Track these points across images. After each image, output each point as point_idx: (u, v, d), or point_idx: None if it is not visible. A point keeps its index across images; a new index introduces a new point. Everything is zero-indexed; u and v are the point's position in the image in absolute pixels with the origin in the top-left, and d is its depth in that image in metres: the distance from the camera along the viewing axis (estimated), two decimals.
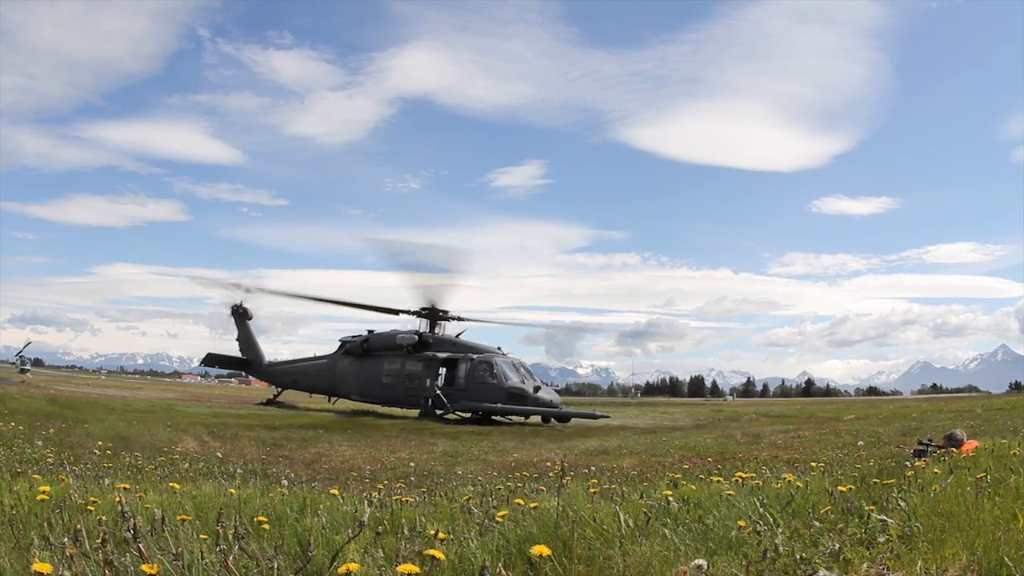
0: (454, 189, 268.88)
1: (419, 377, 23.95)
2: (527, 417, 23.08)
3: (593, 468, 11.82)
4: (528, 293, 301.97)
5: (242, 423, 22.37)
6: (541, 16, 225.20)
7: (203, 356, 32.06)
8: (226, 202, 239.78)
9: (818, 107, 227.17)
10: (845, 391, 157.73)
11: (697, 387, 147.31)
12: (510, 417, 23.55)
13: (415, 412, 24.38)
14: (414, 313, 25.43)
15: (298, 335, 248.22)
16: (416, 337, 24.21)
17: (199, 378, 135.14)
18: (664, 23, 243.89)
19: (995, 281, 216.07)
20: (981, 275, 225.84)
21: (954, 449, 9.27)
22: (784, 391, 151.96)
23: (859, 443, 15.14)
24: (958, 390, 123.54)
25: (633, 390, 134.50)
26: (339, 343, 27.20)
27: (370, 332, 26.59)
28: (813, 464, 9.83)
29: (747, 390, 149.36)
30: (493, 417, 23.77)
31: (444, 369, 23.97)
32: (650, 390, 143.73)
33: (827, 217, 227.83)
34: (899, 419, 25.12)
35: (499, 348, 24.99)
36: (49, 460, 9.52)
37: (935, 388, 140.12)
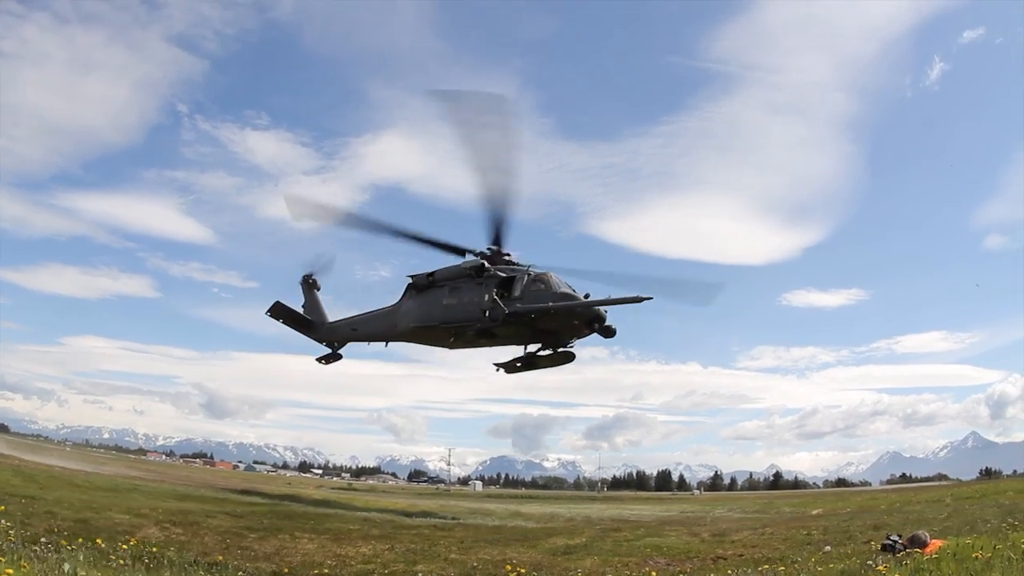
0: None
1: (478, 294, 24.22)
2: (574, 320, 23.66)
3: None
4: (496, 386, 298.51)
5: (205, 508, 21.98)
6: (515, 107, 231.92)
7: (272, 304, 30.22)
8: (197, 281, 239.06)
9: (790, 200, 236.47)
10: (813, 483, 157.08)
11: (664, 481, 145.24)
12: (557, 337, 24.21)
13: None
14: (479, 254, 25.53)
15: (264, 419, 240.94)
16: (481, 262, 24.71)
17: (164, 456, 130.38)
18: (637, 116, 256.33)
19: (965, 369, 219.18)
20: (951, 363, 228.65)
21: (918, 550, 9.80)
22: (752, 484, 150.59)
23: (826, 548, 15.29)
24: (928, 479, 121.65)
25: (599, 484, 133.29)
26: (405, 289, 27.34)
27: None
28: (782, 568, 10.18)
29: (714, 484, 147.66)
30: (537, 354, 24.78)
31: (502, 287, 24.38)
32: (617, 484, 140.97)
33: (797, 310, 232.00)
34: (867, 513, 25.17)
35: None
36: (11, 539, 9.74)
37: (904, 478, 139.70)
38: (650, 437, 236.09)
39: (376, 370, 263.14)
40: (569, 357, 25.42)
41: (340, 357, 29.69)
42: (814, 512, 28.47)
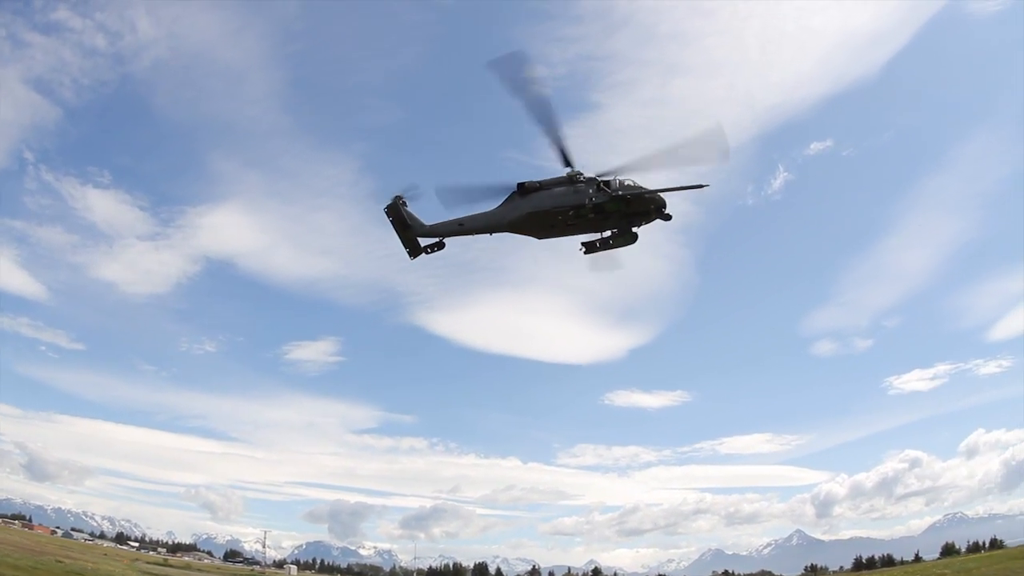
0: (248, 358, 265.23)
1: (581, 188, 29.36)
2: (651, 205, 29.20)
3: None
4: (314, 470, 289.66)
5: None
6: (353, 191, 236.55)
7: (392, 201, 32.07)
8: (25, 337, 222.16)
9: (618, 301, 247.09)
10: None
11: (481, 573, 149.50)
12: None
13: None
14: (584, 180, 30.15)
15: (84, 486, 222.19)
16: (575, 172, 29.76)
17: None
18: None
19: (790, 470, 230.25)
20: (776, 464, 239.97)
21: None
22: None
23: None
24: (751, 575, 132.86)
25: (415, 574, 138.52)
26: (509, 196, 30.90)
27: None
28: None
29: None
30: (610, 238, 29.82)
31: (596, 187, 29.60)
32: (433, 575, 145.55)
33: (620, 410, 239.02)
34: None
35: None
36: None
37: (727, 575, 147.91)
38: (468, 529, 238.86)
39: (193, 445, 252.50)
40: (635, 238, 30.01)
41: (443, 246, 31.92)
42: None
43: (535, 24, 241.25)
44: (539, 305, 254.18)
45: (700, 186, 28.75)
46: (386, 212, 32.09)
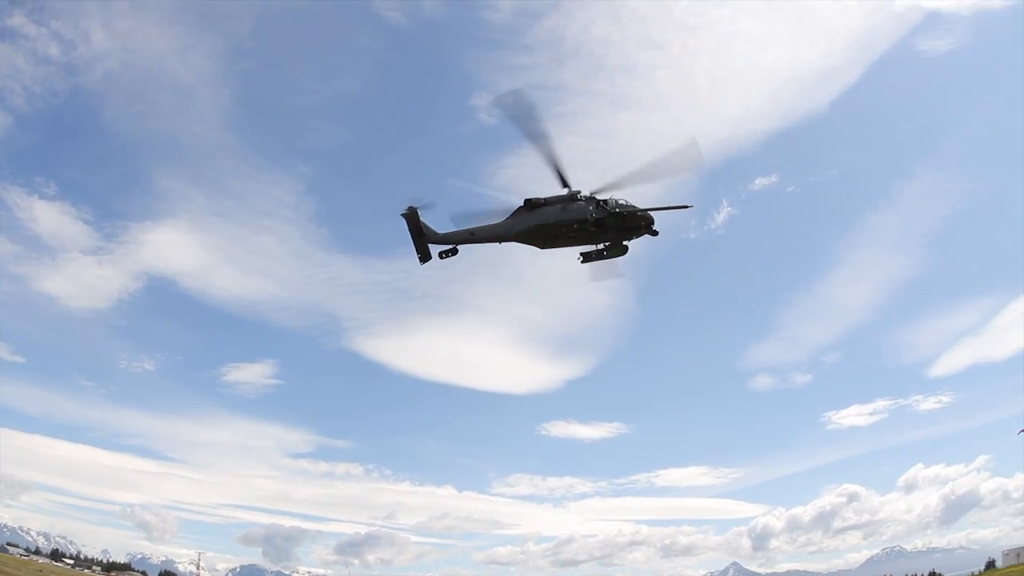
0: (186, 377, 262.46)
1: (582, 205, 32.69)
2: (641, 222, 32.64)
3: None
4: (249, 492, 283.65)
5: None
6: (295, 213, 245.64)
7: (408, 209, 33.55)
8: None
9: (557, 332, 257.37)
10: None
11: None
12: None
13: None
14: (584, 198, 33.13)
15: (20, 501, 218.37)
16: (575, 191, 32.82)
17: None
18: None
19: (726, 503, 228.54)
20: (712, 497, 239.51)
21: None
22: None
23: None
24: None
25: None
26: (519, 207, 33.54)
27: None
28: None
29: None
30: (604, 250, 33.11)
31: (598, 203, 32.91)
32: None
33: (556, 440, 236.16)
34: None
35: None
36: None
37: None
38: (402, 557, 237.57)
39: (129, 463, 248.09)
40: (626, 250, 33.23)
41: (457, 252, 33.88)
42: None
43: (485, 52, 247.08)
44: (478, 334, 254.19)
45: (685, 206, 32.79)
46: (404, 217, 33.81)
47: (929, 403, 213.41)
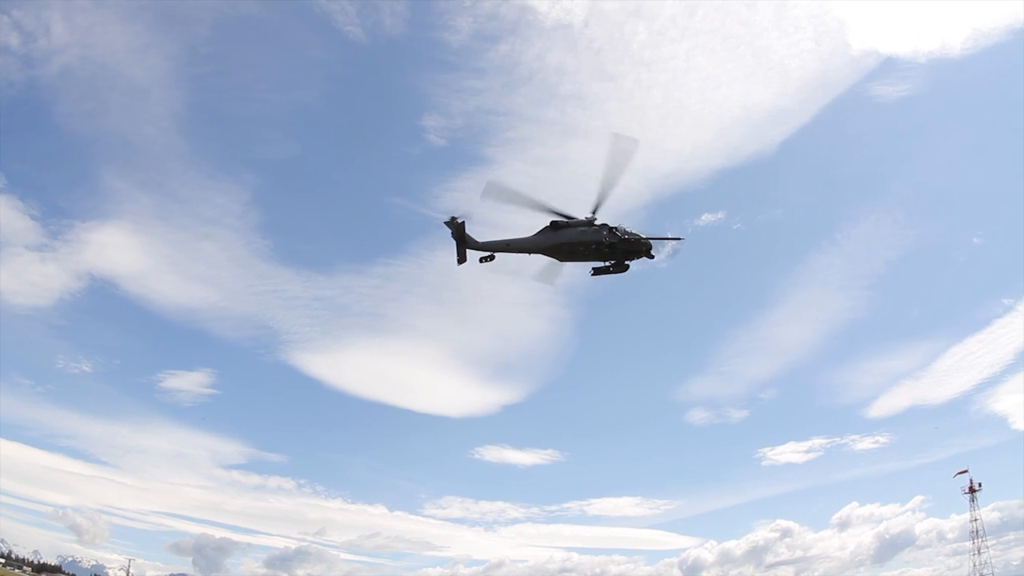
0: (123, 382, 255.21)
1: (599, 230, 38.53)
2: (642, 247, 38.62)
3: None
4: (181, 501, 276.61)
5: None
6: (240, 222, 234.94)
7: (452, 219, 39.35)
8: None
9: (494, 356, 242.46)
10: None
11: None
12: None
13: None
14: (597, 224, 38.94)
15: None
16: (593, 218, 38.75)
17: None
18: (356, 252, 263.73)
19: (658, 534, 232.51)
20: (644, 528, 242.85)
21: None
22: None
23: None
24: None
25: None
26: (546, 227, 39.39)
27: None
28: None
29: None
30: (610, 267, 39.17)
31: (611, 228, 38.82)
32: None
33: (489, 464, 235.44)
34: None
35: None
36: None
37: None
38: (332, 574, 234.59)
39: (63, 465, 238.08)
40: (627, 268, 39.13)
41: (494, 258, 39.51)
42: None
43: (439, 73, 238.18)
44: (415, 354, 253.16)
45: (678, 239, 39.51)
46: (448, 224, 39.68)
47: (866, 443, 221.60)
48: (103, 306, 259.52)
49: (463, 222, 39.50)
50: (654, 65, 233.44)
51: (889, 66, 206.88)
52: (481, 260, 39.78)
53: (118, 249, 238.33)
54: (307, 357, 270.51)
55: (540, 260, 39.72)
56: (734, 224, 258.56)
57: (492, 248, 39.70)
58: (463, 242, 39.51)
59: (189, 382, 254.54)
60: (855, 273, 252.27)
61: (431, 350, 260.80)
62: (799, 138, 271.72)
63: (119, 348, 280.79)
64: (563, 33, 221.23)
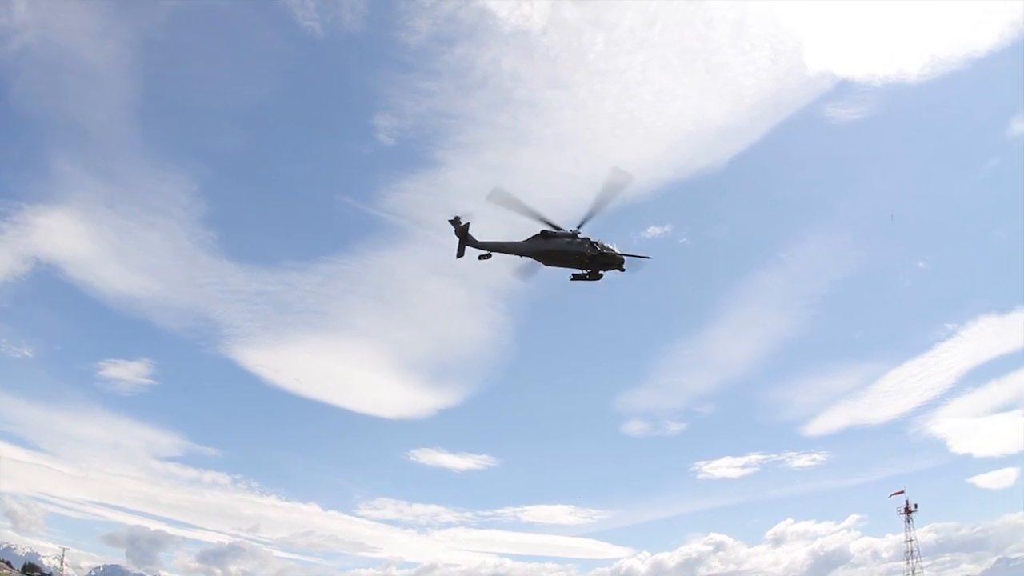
0: (63, 368, 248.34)
1: (581, 242, 42.68)
2: (616, 260, 42.98)
3: None
4: (117, 492, 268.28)
5: None
6: (186, 213, 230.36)
7: (456, 218, 42.97)
8: None
9: (431, 359, 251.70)
10: None
11: None
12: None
13: None
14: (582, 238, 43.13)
15: None
16: (576, 231, 42.77)
17: None
18: (300, 249, 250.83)
19: (591, 543, 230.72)
20: (577, 537, 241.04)
21: None
22: None
23: None
24: None
25: None
26: (537, 234, 43.30)
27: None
28: None
29: None
30: (587, 275, 43.43)
31: (591, 242, 42.90)
32: None
33: (424, 467, 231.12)
34: None
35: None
36: None
37: None
38: (264, 571, 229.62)
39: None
40: (601, 277, 43.33)
41: (491, 256, 43.37)
42: None
43: (394, 72, 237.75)
44: (353, 354, 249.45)
45: (647, 257, 45.08)
46: (451, 223, 43.60)
47: (802, 460, 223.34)
48: (47, 291, 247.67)
49: (467, 223, 43.28)
50: (608, 76, 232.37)
51: (844, 89, 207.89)
52: (480, 257, 43.83)
53: (65, 234, 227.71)
54: (247, 351, 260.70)
55: (518, 260, 43.87)
56: (680, 238, 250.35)
57: (489, 247, 43.85)
58: (464, 240, 43.34)
59: (128, 371, 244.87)
60: (798, 292, 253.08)
61: (371, 350, 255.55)
62: (749, 155, 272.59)
63: (60, 334, 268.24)
64: (521, 39, 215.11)
